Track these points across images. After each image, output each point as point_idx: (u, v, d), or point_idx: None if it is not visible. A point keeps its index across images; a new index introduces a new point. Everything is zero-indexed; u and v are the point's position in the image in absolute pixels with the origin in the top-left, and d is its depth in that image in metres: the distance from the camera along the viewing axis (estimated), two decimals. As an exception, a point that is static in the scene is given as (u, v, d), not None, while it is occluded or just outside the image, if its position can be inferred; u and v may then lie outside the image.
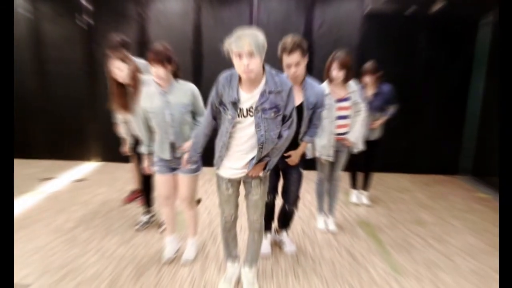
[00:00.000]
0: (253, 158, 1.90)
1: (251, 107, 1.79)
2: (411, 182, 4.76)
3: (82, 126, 5.12)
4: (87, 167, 4.98)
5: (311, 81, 2.36)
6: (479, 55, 4.67)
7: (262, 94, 1.76)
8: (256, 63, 1.66)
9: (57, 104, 5.05)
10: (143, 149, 2.45)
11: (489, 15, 4.44)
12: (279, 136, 1.88)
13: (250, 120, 1.82)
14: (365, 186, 3.91)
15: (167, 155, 2.33)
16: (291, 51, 2.16)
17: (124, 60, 2.48)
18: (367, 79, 3.45)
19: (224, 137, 1.91)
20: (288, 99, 1.81)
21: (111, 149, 5.10)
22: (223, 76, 1.85)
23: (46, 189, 4.02)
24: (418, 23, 4.60)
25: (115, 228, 3.08)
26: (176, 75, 2.27)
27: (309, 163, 3.07)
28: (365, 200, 3.88)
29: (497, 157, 4.32)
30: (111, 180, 4.42)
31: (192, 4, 4.67)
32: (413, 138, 4.97)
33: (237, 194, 2.13)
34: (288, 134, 1.90)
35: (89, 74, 4.92)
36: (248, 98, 1.79)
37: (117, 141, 4.77)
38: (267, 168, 1.96)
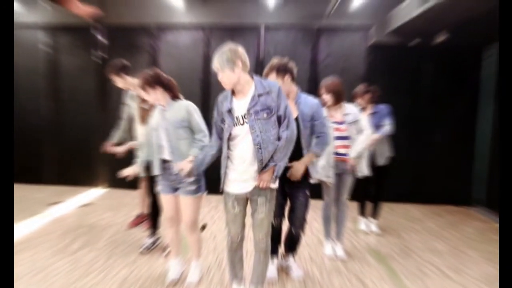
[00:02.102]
0: (264, 168, 1.94)
1: (245, 114, 1.92)
2: (422, 212, 4.63)
3: (92, 153, 5.21)
4: (94, 193, 5.00)
5: (305, 96, 2.46)
6: (485, 84, 4.71)
7: (253, 98, 1.92)
8: (226, 76, 1.91)
9: (69, 131, 5.21)
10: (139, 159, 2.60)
11: (493, 46, 4.56)
12: (279, 138, 1.95)
13: (246, 127, 1.93)
14: (374, 214, 3.82)
15: (156, 170, 2.39)
16: (266, 74, 2.38)
17: None
18: (359, 101, 3.53)
19: (225, 149, 2.02)
20: (279, 100, 1.94)
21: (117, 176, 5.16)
22: (221, 95, 2.06)
23: (53, 213, 4.02)
24: (423, 54, 4.73)
25: (120, 251, 3.03)
26: (175, 96, 2.40)
27: (317, 191, 3.05)
28: (374, 228, 3.77)
29: None
30: (117, 205, 4.41)
31: (201, 36, 4.93)
32: (422, 167, 4.90)
33: (244, 213, 2.11)
34: (287, 135, 1.95)
35: (101, 103, 5.10)
36: (241, 104, 1.95)
37: (124, 168, 4.82)
38: (275, 174, 1.96)
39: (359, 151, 2.96)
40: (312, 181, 2.59)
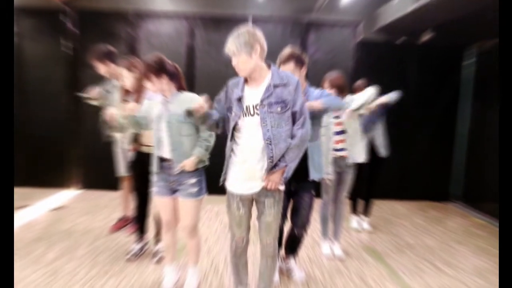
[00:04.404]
0: (273, 167, 1.79)
1: (257, 104, 1.76)
2: (406, 208, 4.71)
3: (62, 151, 4.77)
4: (65, 195, 4.56)
5: (313, 89, 2.37)
6: (465, 83, 4.88)
7: (267, 88, 1.76)
8: (243, 61, 1.72)
9: (35, 127, 4.71)
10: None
11: (473, 46, 4.72)
12: (292, 136, 1.79)
13: (258, 120, 1.76)
14: (365, 212, 3.81)
15: (154, 168, 2.17)
16: (284, 62, 2.21)
17: (129, 69, 2.44)
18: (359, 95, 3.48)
19: (229, 140, 1.86)
20: (296, 94, 1.78)
21: (92, 176, 4.78)
22: (232, 81, 1.88)
23: (20, 218, 3.60)
24: (408, 52, 4.80)
25: (103, 258, 2.75)
26: (181, 86, 2.19)
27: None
28: (366, 226, 3.76)
29: (487, 184, 4.40)
30: (94, 208, 4.05)
31: (185, 26, 4.65)
32: (404, 164, 4.98)
33: (249, 215, 1.95)
34: (302, 133, 1.79)
35: (72, 96, 4.66)
36: (253, 93, 1.79)
37: (99, 167, 4.47)
38: (285, 175, 1.81)
39: (361, 103, 2.91)
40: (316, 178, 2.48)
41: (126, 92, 2.69)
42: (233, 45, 1.71)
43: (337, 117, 2.86)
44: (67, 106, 4.70)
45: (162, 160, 2.14)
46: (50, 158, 4.77)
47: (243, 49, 1.70)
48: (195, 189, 2.12)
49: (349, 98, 2.97)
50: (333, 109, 2.29)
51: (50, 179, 4.77)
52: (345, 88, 2.83)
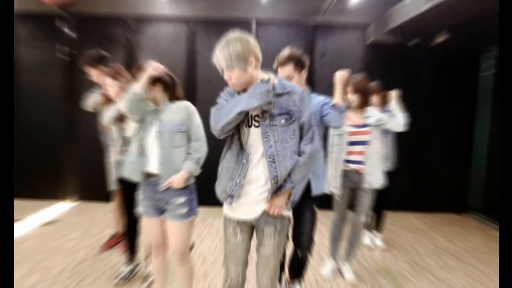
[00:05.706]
0: (278, 189, 1.52)
1: (257, 114, 1.50)
2: (422, 221, 4.38)
3: (57, 160, 4.57)
4: (59, 208, 4.34)
5: (315, 96, 2.15)
6: (483, 88, 4.58)
7: None
8: (236, 75, 1.48)
9: (29, 135, 4.52)
10: None
11: (491, 49, 4.43)
12: (300, 153, 1.53)
13: (258, 132, 1.50)
14: (378, 227, 3.50)
15: (137, 177, 1.93)
16: (282, 64, 2.01)
17: (114, 77, 2.24)
18: (373, 99, 3.20)
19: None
20: (301, 104, 1.53)
21: (89, 187, 4.56)
22: (225, 90, 1.61)
23: (8, 234, 3.38)
24: (421, 55, 4.53)
25: (89, 282, 2.50)
26: (176, 96, 2.00)
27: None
28: (379, 243, 3.45)
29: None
30: (88, 222, 3.81)
31: (186, 30, 4.46)
32: (419, 174, 4.68)
33: (247, 245, 1.65)
34: (312, 149, 1.53)
35: (69, 102, 4.47)
36: None
37: (96, 177, 4.26)
38: (291, 199, 1.54)
39: (382, 120, 2.63)
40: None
41: (108, 101, 2.48)
42: (222, 59, 1.46)
43: (355, 126, 2.59)
44: (63, 113, 4.52)
45: (147, 175, 1.90)
46: (44, 168, 4.57)
47: (236, 64, 1.45)
48: (184, 210, 1.87)
49: (371, 111, 2.65)
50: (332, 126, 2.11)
51: (44, 190, 4.56)
52: (369, 93, 2.63)
